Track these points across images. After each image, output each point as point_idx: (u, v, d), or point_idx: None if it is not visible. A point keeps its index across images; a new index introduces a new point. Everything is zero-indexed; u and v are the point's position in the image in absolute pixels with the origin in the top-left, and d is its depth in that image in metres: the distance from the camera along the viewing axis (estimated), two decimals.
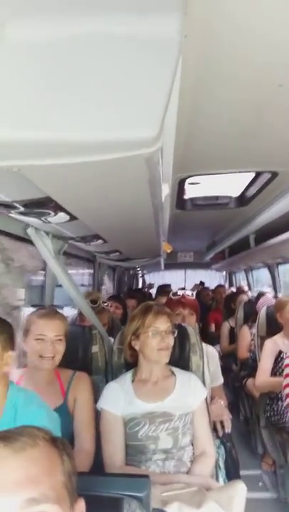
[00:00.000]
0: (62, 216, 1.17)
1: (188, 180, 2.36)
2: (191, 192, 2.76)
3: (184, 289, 7.02)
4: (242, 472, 1.78)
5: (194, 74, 1.13)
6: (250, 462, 2.69)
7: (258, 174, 2.36)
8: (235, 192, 2.90)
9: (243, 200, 2.93)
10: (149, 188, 1.03)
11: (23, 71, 0.62)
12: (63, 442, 0.63)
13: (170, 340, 1.45)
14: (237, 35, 0.99)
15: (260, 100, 1.36)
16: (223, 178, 2.46)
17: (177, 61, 0.67)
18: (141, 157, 0.75)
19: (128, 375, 1.50)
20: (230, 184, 2.76)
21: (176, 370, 1.54)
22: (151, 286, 7.04)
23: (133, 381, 1.48)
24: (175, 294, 2.32)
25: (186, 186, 2.51)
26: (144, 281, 7.65)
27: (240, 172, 2.32)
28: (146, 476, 0.77)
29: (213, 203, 3.03)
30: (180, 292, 2.32)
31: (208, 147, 1.82)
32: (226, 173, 2.28)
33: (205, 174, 2.30)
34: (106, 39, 0.61)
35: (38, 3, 0.57)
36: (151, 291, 6.43)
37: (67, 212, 1.15)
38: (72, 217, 1.22)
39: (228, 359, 3.65)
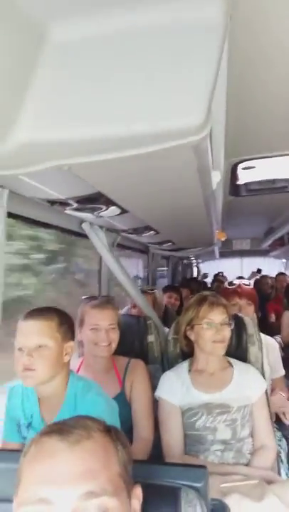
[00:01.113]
0: (113, 210, 1.19)
1: (241, 165, 2.27)
2: (245, 177, 2.65)
3: (241, 277, 6.83)
4: None
5: (243, 54, 1.07)
6: None
7: None
8: None
9: None
10: (198, 176, 1.01)
11: (67, 70, 0.63)
12: (117, 432, 0.64)
13: (226, 333, 1.42)
14: (286, 12, 0.92)
15: None
16: (280, 160, 2.33)
17: (223, 43, 0.64)
18: (188, 145, 0.74)
19: (185, 365, 1.50)
20: (288, 167, 2.61)
21: (233, 361, 1.51)
22: (205, 276, 6.93)
23: (190, 371, 1.47)
24: (231, 283, 2.27)
25: (239, 171, 2.42)
26: (198, 271, 7.56)
27: None
28: (204, 467, 0.77)
29: (269, 187, 2.88)
30: (236, 281, 2.26)
31: (261, 129, 1.73)
32: (282, 156, 2.16)
33: (259, 158, 2.20)
34: (149, 28, 0.60)
35: (79, 1, 0.57)
36: (206, 280, 6.35)
37: (118, 206, 1.16)
38: (124, 211, 1.24)
39: None
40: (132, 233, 1.77)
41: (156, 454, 1.39)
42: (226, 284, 2.20)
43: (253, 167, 2.50)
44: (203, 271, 7.53)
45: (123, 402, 1.43)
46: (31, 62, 0.59)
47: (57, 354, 1.08)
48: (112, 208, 1.16)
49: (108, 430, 0.63)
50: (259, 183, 2.87)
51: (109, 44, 0.61)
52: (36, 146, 0.66)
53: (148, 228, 1.71)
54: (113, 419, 1.04)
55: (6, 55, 0.55)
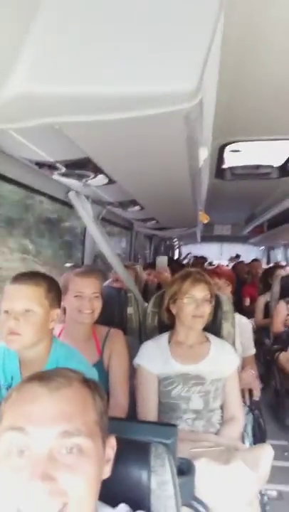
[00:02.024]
0: (101, 179, 1.20)
1: (228, 148, 2.29)
2: (231, 160, 2.67)
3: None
4: (269, 441, 1.81)
5: (238, 33, 1.07)
6: (278, 433, 2.72)
7: None
8: (278, 161, 2.78)
9: (285, 170, 2.81)
10: (187, 149, 1.02)
11: (59, 24, 0.62)
12: (95, 384, 0.67)
13: (206, 309, 1.47)
14: None
15: None
16: (266, 146, 2.35)
17: (219, 13, 0.64)
18: (180, 113, 0.74)
19: (165, 336, 1.54)
20: (273, 153, 2.64)
21: (211, 336, 1.56)
22: (186, 256, 7.01)
23: (169, 342, 1.52)
24: (211, 263, 2.32)
25: (226, 154, 2.43)
26: (180, 253, 7.65)
27: (283, 139, 2.21)
28: (174, 425, 0.81)
29: (253, 172, 2.92)
30: (216, 262, 2.31)
31: (251, 111, 1.74)
32: (269, 140, 2.19)
33: (246, 141, 2.22)
34: None
35: None
36: (186, 262, 6.43)
37: (106, 175, 1.17)
38: (111, 181, 1.24)
39: (261, 333, 3.63)
40: (117, 206, 1.78)
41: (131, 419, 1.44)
42: (205, 265, 2.25)
43: (239, 151, 2.52)
44: (184, 254, 7.62)
45: (101, 369, 1.46)
46: (32, 8, 0.58)
47: (43, 320, 1.09)
48: (100, 176, 1.16)
49: (87, 381, 0.66)
50: (244, 167, 2.90)
51: (108, 2, 0.60)
52: (29, 100, 0.65)
53: (133, 203, 1.72)
54: None
55: None
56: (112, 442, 0.67)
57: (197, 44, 0.63)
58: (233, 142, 2.18)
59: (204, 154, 1.43)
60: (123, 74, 0.64)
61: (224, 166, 2.74)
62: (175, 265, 3.63)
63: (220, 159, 2.46)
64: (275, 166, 2.84)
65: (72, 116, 0.73)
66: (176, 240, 6.70)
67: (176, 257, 7.21)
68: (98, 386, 0.68)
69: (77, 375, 0.65)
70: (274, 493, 1.93)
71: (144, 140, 0.90)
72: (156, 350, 1.48)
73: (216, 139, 2.03)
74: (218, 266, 2.20)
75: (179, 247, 7.61)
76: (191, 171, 1.36)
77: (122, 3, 0.61)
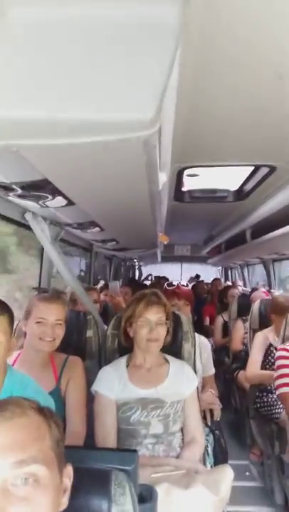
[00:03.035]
0: (59, 200, 1.18)
1: (186, 172, 2.37)
2: (189, 184, 2.76)
3: (180, 282, 7.05)
4: (230, 462, 1.81)
5: (195, 62, 1.13)
6: (239, 452, 2.74)
7: (256, 168, 2.37)
8: (234, 186, 2.91)
9: (240, 194, 2.94)
10: (146, 174, 1.04)
11: (22, 50, 0.63)
12: (50, 411, 0.66)
13: (160, 332, 1.46)
14: (239, 25, 0.99)
15: (260, 93, 1.36)
16: (222, 171, 2.46)
17: (176, 46, 0.68)
18: (138, 139, 0.77)
19: (123, 360, 1.52)
20: (229, 178, 2.77)
21: (169, 358, 1.56)
22: (148, 277, 7.04)
23: (128, 366, 1.50)
24: (170, 284, 2.35)
25: (185, 178, 2.51)
26: (140, 273, 7.68)
27: (238, 165, 2.32)
28: (134, 451, 0.80)
29: (211, 196, 3.03)
30: (175, 282, 2.34)
31: (207, 139, 1.82)
32: (225, 166, 2.29)
33: (203, 166, 2.31)
34: (105, 20, 0.62)
35: None
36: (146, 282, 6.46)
37: (65, 197, 1.16)
38: (70, 202, 1.23)
39: (220, 352, 3.70)
40: (76, 228, 1.76)
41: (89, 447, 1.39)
42: (165, 285, 2.27)
43: (197, 175, 2.62)
44: (145, 274, 7.66)
45: (57, 397, 1.41)
46: None
47: (7, 349, 1.05)
48: (58, 198, 1.15)
49: (41, 409, 0.64)
50: (202, 191, 3.01)
51: (66, 28, 0.62)
52: None
53: (93, 224, 1.71)
54: None
55: None
56: (69, 471, 0.65)
57: (156, 74, 0.66)
58: (191, 167, 2.26)
59: (163, 178, 1.47)
60: (84, 100, 0.65)
61: (183, 189, 2.82)
62: (135, 285, 3.64)
63: (179, 183, 2.53)
64: (231, 190, 2.97)
65: (30, 140, 0.73)
66: (136, 260, 6.73)
67: (136, 277, 7.23)
68: (53, 413, 0.66)
69: (31, 403, 0.64)
70: None
71: (104, 164, 0.91)
72: (114, 375, 1.46)
73: (174, 164, 2.09)
74: (177, 286, 2.23)
75: (139, 268, 7.65)
76: (150, 194, 1.38)
77: (86, 32, 0.63)
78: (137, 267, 7.41)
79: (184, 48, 0.87)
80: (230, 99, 1.43)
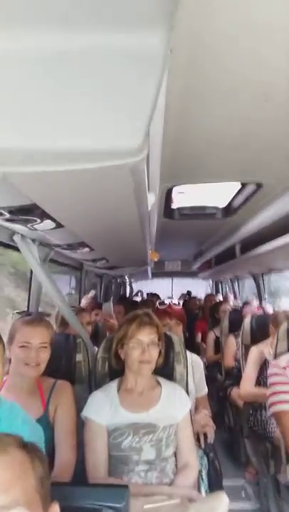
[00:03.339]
0: (48, 223, 1.17)
1: (175, 190, 2.39)
2: (178, 201, 2.78)
3: (171, 297, 7.04)
4: (225, 482, 1.78)
5: (182, 86, 1.15)
6: (234, 472, 2.68)
7: (243, 185, 2.40)
8: (222, 202, 2.94)
9: (229, 210, 2.97)
10: (134, 197, 1.04)
11: (9, 80, 0.62)
12: (34, 447, 0.63)
13: (153, 353, 1.43)
14: (225, 49, 1.01)
15: (246, 114, 1.39)
16: (210, 188, 2.49)
17: (162, 74, 0.68)
18: (126, 167, 0.76)
19: (114, 384, 1.48)
20: (217, 194, 2.80)
21: (162, 380, 1.53)
22: (140, 292, 6.99)
23: (119, 390, 1.46)
24: (162, 303, 2.33)
25: (174, 195, 2.53)
26: (131, 290, 7.64)
27: (226, 182, 2.35)
28: (125, 486, 0.77)
29: (200, 212, 3.06)
30: (167, 301, 2.33)
31: (195, 158, 1.85)
32: (212, 183, 2.32)
33: (192, 183, 2.33)
34: (92, 48, 0.62)
35: (23, 15, 0.58)
36: (137, 299, 6.43)
37: (54, 220, 1.14)
38: (59, 225, 1.22)
39: (213, 369, 3.66)
40: (66, 249, 1.75)
41: (79, 475, 1.35)
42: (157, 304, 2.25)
43: (186, 193, 2.64)
44: (135, 290, 7.63)
45: (45, 424, 1.37)
46: None
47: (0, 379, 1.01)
48: (47, 221, 1.13)
49: (25, 446, 0.61)
50: (191, 208, 3.04)
51: (52, 60, 0.62)
52: None
53: (83, 245, 1.70)
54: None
55: None
56: (55, 510, 0.62)
57: (142, 103, 0.66)
58: (180, 184, 2.28)
59: (152, 199, 1.47)
60: (69, 130, 0.65)
61: (172, 207, 2.84)
62: (127, 304, 3.60)
63: (168, 200, 2.55)
64: (219, 206, 3.00)
65: (18, 167, 0.72)
66: (127, 277, 6.71)
67: (127, 294, 7.19)
68: (37, 449, 0.64)
69: (13, 440, 0.61)
70: None
71: (92, 189, 0.90)
72: (105, 400, 1.42)
73: (163, 183, 2.10)
74: (169, 305, 2.21)
75: (130, 284, 7.61)
76: (140, 215, 1.38)
77: (71, 60, 0.63)
78: (128, 283, 7.38)
79: (171, 72, 0.88)
80: (217, 121, 1.45)
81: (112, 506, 0.72)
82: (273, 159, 1.86)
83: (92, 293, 3.57)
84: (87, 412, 1.40)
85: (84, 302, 3.30)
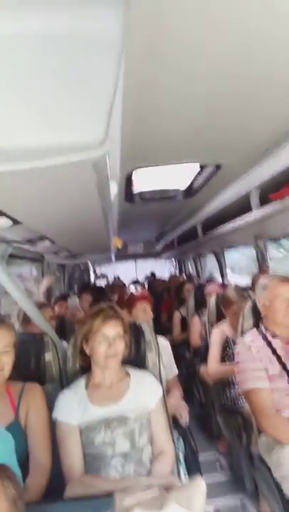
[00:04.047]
0: (4, 221, 1.09)
1: (135, 174, 2.33)
2: (139, 185, 2.74)
3: (137, 281, 7.04)
4: (200, 456, 1.82)
5: (139, 70, 1.09)
6: (207, 445, 2.79)
7: (202, 167, 2.39)
8: (183, 184, 2.93)
9: (189, 192, 2.97)
10: (97, 189, 0.99)
11: None
12: (3, 468, 0.60)
13: (118, 346, 1.41)
14: (183, 28, 0.96)
15: (206, 96, 1.35)
16: (171, 170, 2.46)
17: (120, 60, 0.62)
18: (88, 161, 0.71)
19: (82, 381, 1.45)
20: (178, 177, 2.78)
21: (131, 370, 1.51)
22: (104, 276, 6.93)
23: (87, 386, 1.43)
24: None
25: (134, 179, 2.48)
26: (96, 275, 7.57)
27: (186, 163, 2.34)
28: (110, 496, 0.75)
29: (161, 195, 3.03)
30: (132, 288, 2.30)
31: (154, 140, 1.80)
32: (173, 165, 2.29)
33: (152, 166, 2.29)
34: (47, 38, 0.55)
35: None
36: (102, 284, 6.37)
37: (10, 217, 1.07)
38: (16, 222, 1.14)
39: (181, 347, 3.72)
40: (25, 244, 1.65)
41: (56, 477, 1.32)
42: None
43: (146, 176, 2.60)
44: (99, 274, 7.56)
45: (17, 430, 1.32)
46: None
47: None
48: (3, 219, 1.05)
49: None
50: (152, 191, 3.00)
51: (6, 48, 0.54)
52: None
53: (43, 238, 1.62)
54: (7, 458, 0.93)
55: None
56: None
57: (102, 96, 0.61)
58: (140, 168, 2.23)
59: (114, 189, 1.42)
60: (29, 126, 0.58)
61: (133, 190, 2.79)
62: (94, 292, 3.52)
63: (128, 185, 2.49)
64: (180, 188, 2.98)
65: None
66: (90, 263, 6.62)
67: (92, 280, 7.10)
68: (6, 469, 0.60)
69: None
70: (211, 510, 1.95)
71: (53, 185, 0.84)
72: (74, 399, 1.39)
73: (123, 167, 2.04)
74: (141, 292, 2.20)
75: (94, 270, 7.53)
76: (103, 205, 1.33)
77: (23, 53, 0.55)
78: (91, 269, 7.29)
79: (128, 59, 0.82)
80: (176, 103, 1.41)
81: None
82: (232, 140, 1.85)
83: (46, 282, 3.19)
84: (57, 414, 1.37)
85: (41, 296, 3.07)
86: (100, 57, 0.60)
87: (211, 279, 4.89)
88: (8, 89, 0.55)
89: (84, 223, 1.58)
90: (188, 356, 3.54)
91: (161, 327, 4.31)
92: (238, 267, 6.47)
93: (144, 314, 2.25)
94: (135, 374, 1.50)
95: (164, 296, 5.03)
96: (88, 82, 0.57)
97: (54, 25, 0.51)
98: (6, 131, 0.57)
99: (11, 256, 1.89)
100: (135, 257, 7.17)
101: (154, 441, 1.44)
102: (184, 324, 3.83)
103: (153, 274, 6.88)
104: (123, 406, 1.40)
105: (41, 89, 0.55)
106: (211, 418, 2.82)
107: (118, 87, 0.97)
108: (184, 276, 5.95)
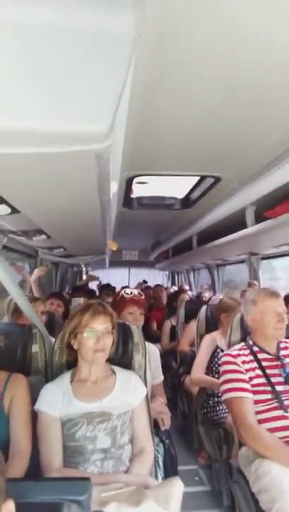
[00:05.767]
0: (3, 208, 1.11)
1: (135, 180, 2.38)
2: (138, 191, 2.78)
3: (127, 287, 7.04)
4: (179, 467, 1.82)
5: (146, 78, 1.13)
6: (187, 457, 2.77)
7: (202, 178, 2.44)
8: (181, 194, 2.98)
9: (187, 202, 3.02)
10: (97, 184, 1.01)
11: None
12: None
13: (107, 341, 1.43)
14: (191, 43, 1.00)
15: (208, 110, 1.40)
16: (170, 180, 2.51)
17: (130, 58, 0.66)
18: (91, 153, 0.74)
19: (67, 376, 1.46)
20: (176, 186, 2.83)
21: (116, 368, 1.53)
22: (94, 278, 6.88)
23: (72, 381, 1.44)
24: (128, 291, 2.28)
25: (134, 185, 2.53)
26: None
27: (185, 175, 2.38)
28: (87, 479, 0.76)
29: (159, 203, 3.08)
30: (129, 291, 2.29)
31: (156, 149, 1.84)
32: (172, 175, 2.34)
33: (152, 175, 2.33)
34: (60, 31, 0.58)
35: None
36: (92, 286, 6.34)
37: (9, 205, 1.09)
38: (14, 210, 1.16)
39: (168, 356, 3.73)
40: (21, 235, 1.67)
41: (34, 467, 1.32)
42: (124, 292, 2.20)
43: (146, 183, 2.64)
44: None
45: (1, 416, 1.33)
46: None
47: None
48: (2, 206, 1.07)
49: None
50: (150, 198, 3.05)
51: (18, 37, 0.57)
52: None
53: (39, 232, 1.64)
54: None
55: None
56: (10, 507, 0.59)
57: (110, 88, 0.64)
58: (140, 175, 2.27)
59: (114, 188, 1.45)
60: (36, 111, 0.61)
61: (132, 196, 2.83)
62: (88, 295, 3.52)
63: (128, 190, 2.53)
64: (178, 198, 3.03)
65: None
66: (83, 265, 6.62)
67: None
68: None
69: None
70: None
71: (55, 174, 0.86)
72: (57, 392, 1.40)
73: (124, 172, 2.08)
74: (136, 295, 2.19)
75: (87, 273, 7.52)
76: (101, 203, 1.35)
77: (36, 43, 0.58)
78: (84, 272, 7.28)
79: (137, 63, 0.86)
80: (179, 115, 1.46)
81: (74, 499, 0.70)
82: (232, 154, 1.91)
83: (37, 271, 3.01)
84: (40, 405, 1.38)
85: (32, 284, 3.01)
86: (111, 51, 0.63)
87: (201, 292, 4.90)
88: (23, 74, 0.58)
89: (81, 220, 1.60)
90: (175, 366, 3.54)
91: (150, 335, 4.31)
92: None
93: (133, 319, 2.24)
94: (121, 372, 1.51)
95: (154, 305, 5.03)
96: (99, 73, 0.60)
97: (71, 18, 0.54)
98: (14, 114, 0.60)
99: (5, 248, 1.91)
100: (129, 264, 7.18)
101: (135, 440, 1.45)
102: (174, 334, 3.84)
103: (144, 282, 6.89)
104: (107, 403, 1.41)
105: (53, 77, 0.58)
106: (193, 431, 2.81)
107: (126, 91, 1.01)
108: (175, 288, 5.96)
